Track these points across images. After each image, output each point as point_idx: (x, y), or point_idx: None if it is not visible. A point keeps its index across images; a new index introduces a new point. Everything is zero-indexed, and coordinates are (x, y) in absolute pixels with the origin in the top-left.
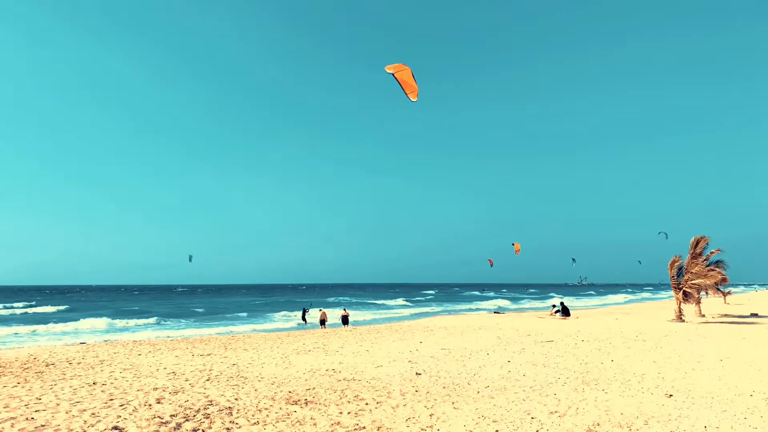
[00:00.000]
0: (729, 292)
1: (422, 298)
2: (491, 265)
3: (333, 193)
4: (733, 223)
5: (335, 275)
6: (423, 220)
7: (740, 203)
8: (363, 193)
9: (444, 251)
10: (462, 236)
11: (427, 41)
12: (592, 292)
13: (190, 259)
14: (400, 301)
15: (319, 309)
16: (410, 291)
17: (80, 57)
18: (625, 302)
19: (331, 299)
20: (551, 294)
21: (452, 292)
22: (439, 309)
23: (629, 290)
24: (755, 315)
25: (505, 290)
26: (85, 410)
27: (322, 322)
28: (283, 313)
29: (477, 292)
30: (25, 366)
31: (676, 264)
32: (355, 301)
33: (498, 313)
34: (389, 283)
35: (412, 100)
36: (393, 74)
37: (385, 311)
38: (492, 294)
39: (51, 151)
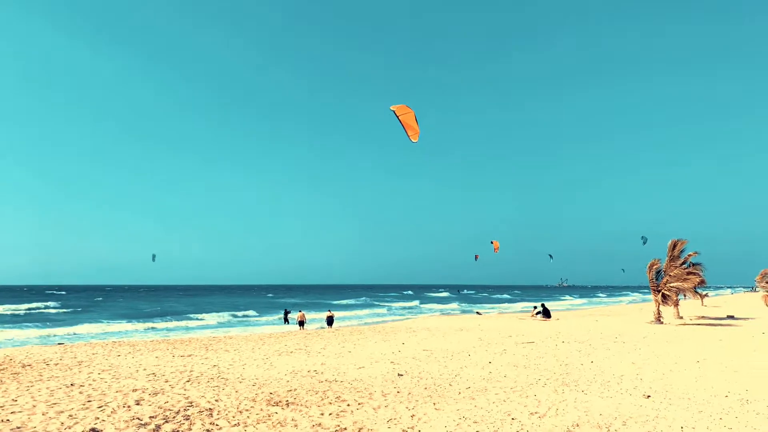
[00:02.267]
0: (706, 295)
1: (414, 301)
2: (476, 259)
3: (343, 194)
4: (719, 224)
5: (349, 277)
6: (450, 220)
7: (722, 205)
8: (376, 193)
9: (458, 252)
10: (473, 237)
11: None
12: (601, 294)
13: (153, 258)
14: (396, 304)
15: (299, 311)
16: (421, 292)
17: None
18: (630, 302)
19: (343, 301)
20: (566, 296)
21: (462, 294)
22: (426, 309)
23: (629, 292)
24: (731, 317)
25: (518, 291)
26: (62, 412)
27: (301, 323)
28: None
29: (485, 294)
30: (1, 367)
31: (655, 267)
32: (354, 302)
33: (480, 314)
34: (407, 284)
35: (413, 141)
36: (397, 115)
37: (377, 311)
38: (507, 296)
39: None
